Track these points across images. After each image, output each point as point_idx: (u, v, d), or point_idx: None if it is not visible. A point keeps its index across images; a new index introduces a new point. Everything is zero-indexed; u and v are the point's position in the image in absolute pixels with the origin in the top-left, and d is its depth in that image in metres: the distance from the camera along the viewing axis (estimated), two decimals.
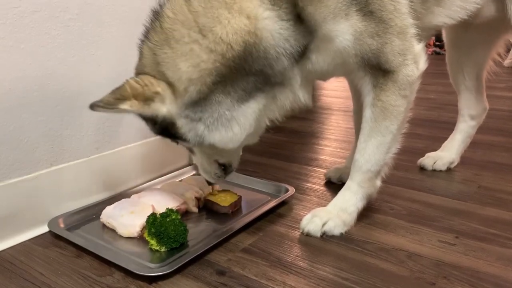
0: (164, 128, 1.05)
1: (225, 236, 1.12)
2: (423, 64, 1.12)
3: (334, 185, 1.47)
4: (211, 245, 1.08)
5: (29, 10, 1.11)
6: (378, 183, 1.21)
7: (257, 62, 0.99)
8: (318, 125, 2.36)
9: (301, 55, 1.03)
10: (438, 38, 5.01)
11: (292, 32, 0.99)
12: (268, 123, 1.13)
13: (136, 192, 1.33)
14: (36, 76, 1.15)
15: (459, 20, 1.22)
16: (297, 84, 1.07)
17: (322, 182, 1.53)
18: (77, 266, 1.04)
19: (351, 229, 1.17)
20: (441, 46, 5.22)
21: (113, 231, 1.18)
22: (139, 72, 1.06)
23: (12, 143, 1.13)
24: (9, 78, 1.10)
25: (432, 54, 5.16)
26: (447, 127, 1.76)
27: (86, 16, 1.24)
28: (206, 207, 1.32)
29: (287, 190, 1.38)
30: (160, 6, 1.02)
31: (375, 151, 1.14)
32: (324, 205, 1.21)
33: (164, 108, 1.01)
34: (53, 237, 1.17)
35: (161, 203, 1.22)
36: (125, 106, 0.97)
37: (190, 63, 0.98)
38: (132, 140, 1.46)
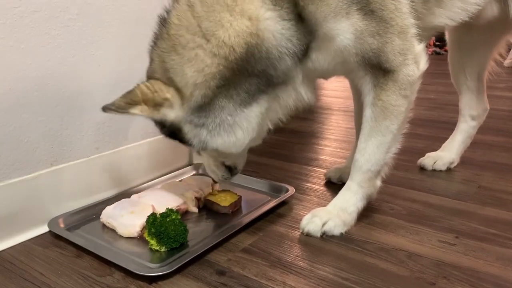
0: (172, 132, 1.09)
1: (225, 236, 1.12)
2: (423, 64, 1.12)
3: (334, 185, 1.47)
4: (211, 245, 1.08)
5: (29, 10, 1.11)
6: (378, 183, 1.21)
7: (259, 63, 1.00)
8: (318, 125, 2.36)
9: (304, 54, 1.04)
10: (438, 38, 5.02)
11: (294, 32, 1.00)
12: (271, 126, 1.14)
13: (136, 192, 1.33)
14: (36, 76, 1.15)
15: (460, 21, 1.22)
16: (298, 82, 1.08)
17: (322, 182, 1.53)
18: (77, 266, 1.04)
19: (351, 229, 1.17)
20: (441, 46, 5.22)
21: (113, 231, 1.18)
22: (149, 76, 1.08)
23: (12, 143, 1.13)
24: (9, 78, 1.10)
25: (432, 54, 5.16)
26: (447, 127, 1.76)
27: (86, 16, 1.24)
28: (206, 207, 1.32)
29: (287, 190, 1.38)
30: (167, 12, 1.04)
31: (375, 151, 1.14)
32: (324, 205, 1.21)
33: (173, 113, 1.04)
34: (53, 237, 1.17)
35: (161, 203, 1.22)
36: (135, 110, 1.01)
37: (195, 68, 1.00)
38: (132, 140, 1.46)
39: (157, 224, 1.07)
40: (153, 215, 1.11)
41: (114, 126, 1.39)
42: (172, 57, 1.02)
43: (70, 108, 1.25)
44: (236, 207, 1.30)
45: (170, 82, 1.03)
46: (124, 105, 1.00)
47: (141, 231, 1.14)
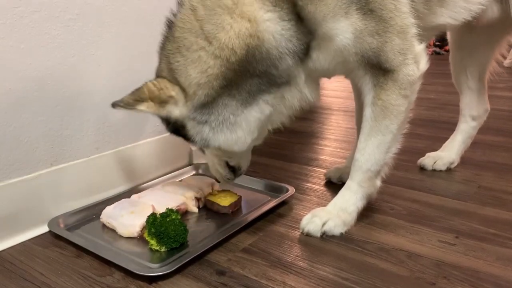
0: (176, 129, 1.12)
1: (225, 236, 1.12)
2: (424, 64, 1.12)
3: (334, 185, 1.47)
4: (211, 245, 1.08)
5: (29, 10, 1.11)
6: (378, 182, 1.21)
7: (260, 63, 1.02)
8: (318, 125, 2.36)
9: (305, 53, 1.05)
10: (438, 38, 5.02)
11: (294, 32, 1.01)
12: (275, 125, 1.16)
13: (136, 192, 1.33)
14: (36, 76, 1.16)
15: (463, 21, 1.22)
16: (302, 82, 1.09)
17: (322, 182, 1.53)
18: (77, 266, 1.04)
19: (351, 229, 1.17)
20: (441, 46, 5.22)
21: (113, 231, 1.18)
22: (157, 75, 1.11)
23: (12, 143, 1.13)
24: (9, 78, 1.10)
25: (432, 54, 5.16)
26: (447, 127, 1.76)
27: (86, 16, 1.24)
28: (206, 207, 1.32)
29: (287, 190, 1.38)
30: (174, 15, 1.07)
31: (375, 151, 1.14)
32: (324, 205, 1.21)
33: (177, 110, 1.07)
34: (53, 237, 1.17)
35: (161, 203, 1.22)
36: (142, 107, 1.04)
37: (199, 70, 1.03)
38: (132, 140, 1.46)
39: (157, 224, 1.07)
40: (153, 215, 1.11)
41: (114, 126, 1.39)
42: (177, 59, 1.05)
43: (70, 108, 1.25)
44: (236, 207, 1.30)
45: (175, 81, 1.06)
46: (132, 101, 1.04)
47: (141, 231, 1.14)
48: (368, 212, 1.25)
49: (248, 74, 1.03)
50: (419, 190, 1.43)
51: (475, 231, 1.16)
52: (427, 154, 1.66)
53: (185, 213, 1.28)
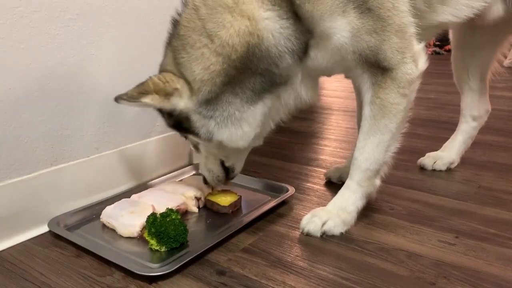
0: (179, 122, 1.12)
1: (225, 236, 1.12)
2: (423, 63, 1.12)
3: (334, 185, 1.47)
4: (211, 245, 1.08)
5: (29, 10, 1.11)
6: (378, 182, 1.21)
7: (261, 61, 1.03)
8: (318, 125, 2.36)
9: (304, 52, 1.06)
10: (439, 38, 5.02)
11: (292, 31, 1.02)
12: (272, 126, 1.18)
13: (136, 192, 1.33)
14: (36, 76, 1.16)
15: (465, 18, 1.22)
16: (298, 82, 1.10)
17: (322, 182, 1.53)
18: (77, 266, 1.04)
19: (351, 229, 1.18)
20: (441, 46, 5.22)
21: (113, 231, 1.18)
22: (162, 69, 1.14)
23: (12, 143, 1.13)
24: (9, 78, 1.10)
25: (432, 54, 5.16)
26: (447, 127, 1.76)
27: (86, 16, 1.24)
28: (206, 207, 1.32)
29: (287, 190, 1.38)
30: (178, 14, 1.10)
31: (374, 150, 1.14)
32: (324, 205, 1.21)
33: (182, 103, 1.08)
34: (53, 237, 1.17)
35: (161, 203, 1.22)
36: (147, 100, 1.05)
37: (202, 66, 1.05)
38: (132, 140, 1.46)
39: (157, 224, 1.07)
40: (153, 215, 1.11)
41: (114, 126, 1.39)
42: (182, 55, 1.07)
43: (70, 108, 1.25)
44: (236, 207, 1.30)
45: (180, 75, 1.08)
46: (136, 94, 1.05)
47: (141, 231, 1.14)
48: (368, 212, 1.25)
49: (250, 72, 1.04)
50: (419, 190, 1.43)
51: (475, 231, 1.16)
52: (427, 154, 1.66)
53: (185, 213, 1.28)
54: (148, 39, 1.43)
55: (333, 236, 1.15)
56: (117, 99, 1.06)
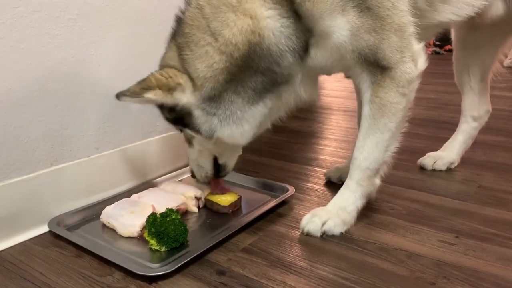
0: (180, 117, 1.13)
1: (225, 236, 1.12)
2: (422, 63, 1.12)
3: (334, 185, 1.47)
4: (211, 245, 1.08)
5: (29, 10, 1.11)
6: (377, 181, 1.21)
7: (263, 60, 1.04)
8: (318, 125, 2.36)
9: (305, 50, 1.07)
10: (439, 38, 5.02)
11: (293, 30, 1.03)
12: (269, 125, 1.19)
13: (136, 192, 1.33)
14: (36, 76, 1.16)
15: (466, 17, 1.22)
16: (298, 80, 1.11)
17: (322, 182, 1.53)
18: (77, 266, 1.04)
19: (351, 229, 1.17)
20: (441, 46, 5.22)
21: (113, 231, 1.18)
22: (163, 65, 1.15)
23: (12, 143, 1.13)
24: (9, 78, 1.10)
25: (432, 54, 5.16)
26: (447, 127, 1.76)
27: (86, 16, 1.24)
28: (206, 207, 1.32)
29: (287, 190, 1.38)
30: (182, 12, 1.11)
31: (373, 149, 1.14)
32: (324, 205, 1.21)
33: (185, 98, 1.09)
34: (53, 237, 1.17)
35: (161, 203, 1.22)
36: (149, 95, 1.06)
37: (206, 64, 1.06)
38: (132, 140, 1.46)
39: (157, 224, 1.07)
40: (153, 215, 1.11)
41: (114, 126, 1.39)
42: (187, 52, 1.09)
43: (70, 108, 1.25)
44: (236, 207, 1.30)
45: (184, 71, 1.10)
46: (139, 90, 1.05)
47: (141, 231, 1.14)
48: (368, 212, 1.25)
49: (251, 71, 1.06)
50: (419, 190, 1.43)
51: (475, 231, 1.16)
52: (427, 154, 1.66)
53: (185, 213, 1.28)
54: (148, 39, 1.43)
55: (333, 236, 1.15)
56: (119, 95, 1.06)
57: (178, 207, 1.23)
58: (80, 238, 1.13)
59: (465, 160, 1.65)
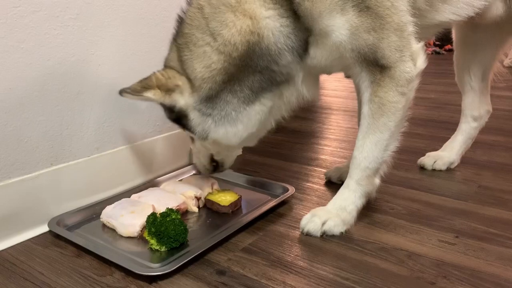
0: (178, 118, 1.16)
1: (225, 236, 1.12)
2: (421, 62, 1.12)
3: (334, 185, 1.47)
4: (211, 244, 1.08)
5: (29, 10, 1.11)
6: (377, 181, 1.21)
7: (261, 58, 1.05)
8: (318, 124, 2.36)
9: (304, 50, 1.07)
10: (439, 37, 5.01)
11: (292, 29, 1.04)
12: (273, 124, 1.20)
13: (136, 192, 1.33)
14: (36, 76, 1.16)
15: (466, 17, 1.22)
16: (299, 80, 1.12)
17: (322, 181, 1.53)
18: (77, 266, 1.04)
19: (351, 229, 1.17)
20: (441, 46, 5.22)
21: (113, 230, 1.18)
22: (166, 65, 1.17)
23: (12, 143, 1.13)
24: (9, 78, 1.10)
25: (432, 53, 5.16)
26: (447, 127, 1.76)
27: (86, 16, 1.24)
28: (206, 207, 1.32)
29: (287, 190, 1.38)
30: (184, 13, 1.12)
31: (373, 148, 1.14)
32: (324, 205, 1.21)
33: (182, 100, 1.12)
34: (53, 237, 1.17)
35: (161, 202, 1.22)
36: (148, 94, 1.09)
37: (204, 64, 1.08)
38: (132, 140, 1.46)
39: (157, 224, 1.08)
40: (153, 214, 1.11)
41: (114, 126, 1.39)
42: (186, 53, 1.11)
43: (70, 108, 1.25)
44: (236, 207, 1.30)
45: (183, 72, 1.12)
46: (139, 88, 1.09)
47: (141, 230, 1.14)
48: (368, 211, 1.25)
49: (250, 70, 1.07)
50: (419, 190, 1.43)
51: (475, 231, 1.17)
52: (427, 154, 1.66)
53: (185, 212, 1.28)
54: (148, 39, 1.43)
55: (333, 236, 1.15)
56: (121, 92, 1.10)
57: (178, 207, 1.23)
58: (80, 238, 1.13)
59: (465, 159, 1.65)
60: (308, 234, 1.16)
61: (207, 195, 1.33)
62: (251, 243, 1.13)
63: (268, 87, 1.09)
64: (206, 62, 1.07)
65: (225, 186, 1.40)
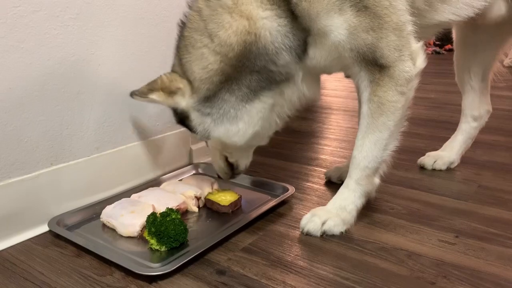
0: (182, 119, 1.19)
1: (225, 236, 1.12)
2: (421, 62, 1.12)
3: (334, 185, 1.47)
4: (211, 244, 1.08)
5: (29, 9, 1.11)
6: (377, 180, 1.21)
7: (258, 58, 1.06)
8: (318, 124, 2.36)
9: (303, 49, 1.07)
10: (439, 37, 5.01)
11: (290, 29, 1.04)
12: (279, 122, 1.20)
13: (136, 192, 1.33)
14: (36, 76, 1.16)
15: (466, 18, 1.22)
16: (299, 79, 1.12)
17: (322, 181, 1.53)
18: (77, 266, 1.04)
19: (351, 229, 1.18)
20: (441, 46, 5.22)
21: (113, 230, 1.18)
22: (172, 69, 1.20)
23: (12, 143, 1.13)
24: (9, 78, 1.10)
25: (432, 53, 5.16)
26: (447, 127, 1.76)
27: (86, 16, 1.24)
28: (206, 207, 1.32)
29: (287, 190, 1.38)
30: (186, 16, 1.14)
31: (372, 148, 1.14)
32: (324, 205, 1.21)
33: (184, 102, 1.15)
34: (53, 237, 1.17)
35: (161, 202, 1.22)
36: (153, 96, 1.14)
37: (201, 66, 1.10)
38: (132, 140, 1.46)
39: (157, 224, 1.08)
40: (153, 214, 1.11)
41: (114, 126, 1.39)
42: (185, 56, 1.13)
43: (70, 108, 1.25)
44: (236, 207, 1.30)
45: (184, 75, 1.14)
46: (146, 91, 1.14)
47: (141, 230, 1.14)
48: (368, 211, 1.25)
49: (247, 70, 1.07)
50: (419, 190, 1.43)
51: (475, 231, 1.17)
52: (427, 154, 1.66)
53: (185, 212, 1.28)
54: (148, 39, 1.43)
55: (333, 236, 1.15)
56: (132, 94, 1.17)
57: (178, 207, 1.23)
58: (80, 238, 1.13)
59: (465, 159, 1.65)
60: (308, 234, 1.16)
61: (207, 195, 1.33)
62: (251, 243, 1.13)
63: (267, 86, 1.10)
64: (204, 63, 1.09)
65: (225, 186, 1.40)
